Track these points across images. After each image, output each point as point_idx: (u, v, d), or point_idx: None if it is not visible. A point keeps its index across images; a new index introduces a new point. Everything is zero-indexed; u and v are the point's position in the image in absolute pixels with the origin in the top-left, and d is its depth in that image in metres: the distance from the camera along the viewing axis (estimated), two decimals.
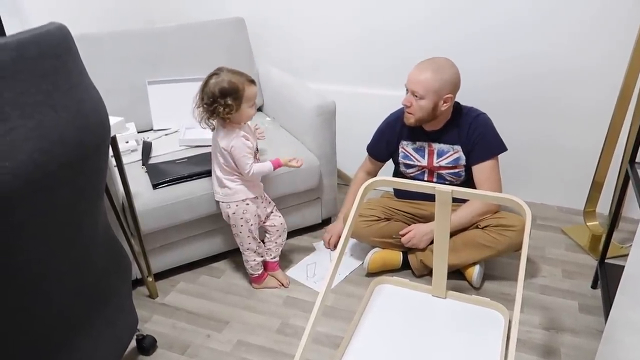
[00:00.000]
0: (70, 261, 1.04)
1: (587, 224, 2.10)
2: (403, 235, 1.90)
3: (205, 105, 1.64)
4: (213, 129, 1.73)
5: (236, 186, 1.75)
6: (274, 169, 1.78)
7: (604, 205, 2.14)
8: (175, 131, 2.22)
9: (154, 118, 2.24)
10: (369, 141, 2.04)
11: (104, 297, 1.18)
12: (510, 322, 1.68)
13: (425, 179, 1.92)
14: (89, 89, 1.01)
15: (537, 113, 2.23)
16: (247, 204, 1.77)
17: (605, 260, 1.84)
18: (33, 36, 0.86)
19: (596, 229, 2.07)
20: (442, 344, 1.62)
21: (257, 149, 1.83)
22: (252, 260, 1.85)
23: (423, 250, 1.91)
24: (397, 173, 2.03)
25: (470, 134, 1.81)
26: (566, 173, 2.30)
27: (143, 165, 1.94)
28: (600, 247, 1.92)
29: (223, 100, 1.61)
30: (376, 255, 1.94)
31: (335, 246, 2.04)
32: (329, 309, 1.81)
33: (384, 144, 1.97)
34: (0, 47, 0.79)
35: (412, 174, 1.95)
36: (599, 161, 2.03)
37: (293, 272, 2.00)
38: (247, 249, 1.83)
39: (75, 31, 2.09)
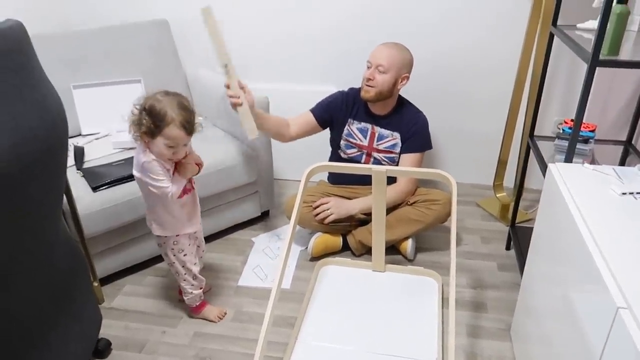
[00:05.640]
0: (37, 258, 1.04)
1: (497, 195, 2.38)
2: (318, 206, 2.03)
3: (134, 112, 1.44)
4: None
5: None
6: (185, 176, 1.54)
7: (508, 179, 2.45)
8: (106, 135, 2.18)
9: (81, 122, 2.19)
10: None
11: (68, 294, 1.18)
12: (443, 286, 1.89)
13: (363, 161, 2.08)
14: (49, 86, 1.03)
15: (447, 104, 2.50)
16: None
17: (515, 225, 2.11)
18: None
19: (504, 200, 2.36)
20: (387, 312, 1.78)
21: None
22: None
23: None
24: (334, 158, 2.17)
25: (411, 126, 2.00)
26: (476, 154, 2.59)
27: (78, 170, 1.90)
28: (510, 214, 2.20)
29: (145, 117, 1.41)
30: (318, 240, 2.07)
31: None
32: (281, 293, 1.90)
33: (331, 112, 2.05)
34: None
35: (351, 154, 2.10)
36: (502, 142, 2.33)
37: (245, 280, 1.98)
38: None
39: None
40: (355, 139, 2.07)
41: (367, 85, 1.94)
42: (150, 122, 1.40)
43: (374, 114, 2.03)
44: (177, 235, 1.62)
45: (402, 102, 2.05)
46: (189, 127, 1.43)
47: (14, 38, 0.90)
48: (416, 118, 2.02)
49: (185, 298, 1.74)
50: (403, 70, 1.93)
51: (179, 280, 1.69)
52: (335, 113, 2.07)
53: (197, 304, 1.76)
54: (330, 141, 2.16)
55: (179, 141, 1.43)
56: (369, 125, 2.05)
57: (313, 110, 2.08)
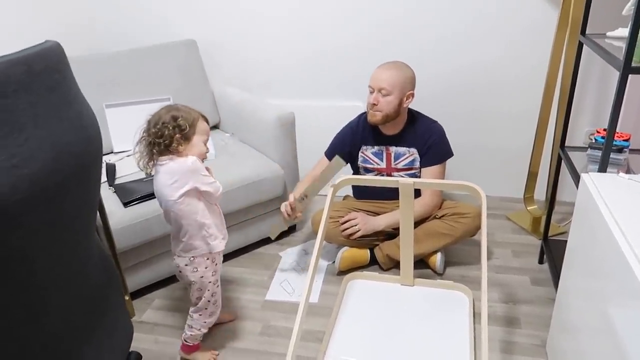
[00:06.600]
0: (70, 271, 1.07)
1: (528, 208, 2.33)
2: (345, 222, 2.01)
3: (149, 135, 1.44)
4: (149, 173, 1.51)
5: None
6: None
7: (539, 192, 2.39)
8: None
9: (113, 140, 2.25)
10: (325, 149, 2.11)
11: (101, 307, 1.20)
12: (474, 300, 1.85)
13: None
14: (85, 103, 1.06)
15: (474, 117, 2.48)
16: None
17: (548, 238, 2.06)
18: (38, 52, 0.91)
19: (536, 212, 2.31)
20: (416, 327, 1.75)
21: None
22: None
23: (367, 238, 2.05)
24: (355, 185, 2.15)
25: (426, 139, 1.98)
26: (504, 167, 2.55)
27: (110, 186, 1.94)
28: (542, 227, 2.15)
29: (174, 123, 1.41)
30: (345, 254, 2.06)
31: (289, 215, 1.93)
32: (308, 308, 1.89)
33: (346, 149, 2.04)
34: (12, 63, 0.84)
35: None
36: (532, 154, 2.28)
37: (272, 295, 1.98)
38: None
39: None
40: (372, 164, 2.06)
41: (372, 111, 1.93)
42: (182, 120, 1.43)
43: (385, 135, 2.01)
44: (216, 265, 1.58)
45: (414, 116, 2.02)
46: (206, 117, 1.54)
47: (52, 58, 0.94)
48: (431, 130, 1.99)
49: (189, 333, 1.61)
50: (406, 88, 1.90)
51: (200, 311, 1.59)
52: (350, 148, 2.05)
53: (195, 343, 1.64)
54: (352, 170, 2.16)
55: (208, 133, 1.52)
56: (382, 147, 2.03)
57: (327, 155, 2.08)
